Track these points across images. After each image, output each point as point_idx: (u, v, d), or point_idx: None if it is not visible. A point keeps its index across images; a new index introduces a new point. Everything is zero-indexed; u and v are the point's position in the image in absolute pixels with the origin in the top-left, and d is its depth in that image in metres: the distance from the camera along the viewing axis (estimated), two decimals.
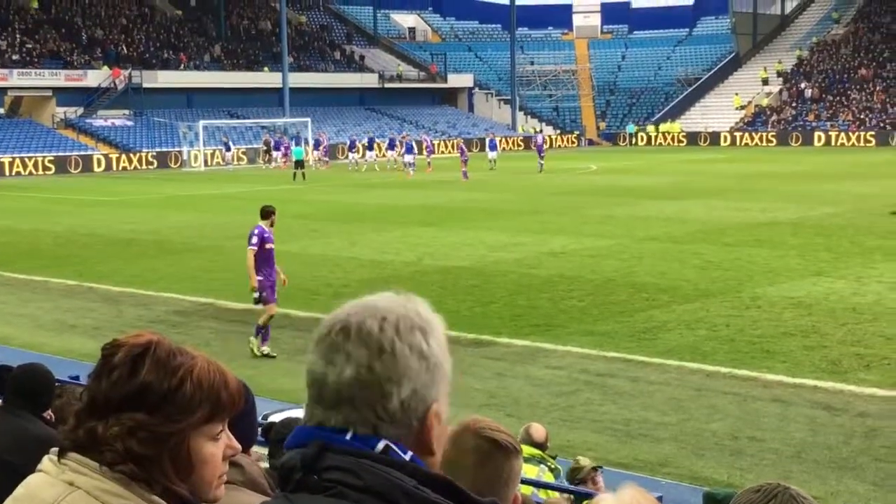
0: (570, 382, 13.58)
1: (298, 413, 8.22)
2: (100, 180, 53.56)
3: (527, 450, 6.74)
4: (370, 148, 60.05)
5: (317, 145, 62.94)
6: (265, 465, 5.73)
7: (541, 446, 7.74)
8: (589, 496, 6.72)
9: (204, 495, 2.00)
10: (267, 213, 15.86)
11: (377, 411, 1.72)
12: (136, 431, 1.91)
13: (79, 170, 59.33)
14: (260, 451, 6.62)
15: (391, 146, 60.75)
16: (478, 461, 2.73)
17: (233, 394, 2.02)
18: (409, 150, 54.20)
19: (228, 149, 63.43)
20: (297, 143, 56.73)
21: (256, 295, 15.60)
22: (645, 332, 16.10)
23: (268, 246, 15.61)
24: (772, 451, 10.75)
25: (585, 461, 7.86)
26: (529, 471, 6.84)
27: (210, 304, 19.29)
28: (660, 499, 6.44)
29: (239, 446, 2.09)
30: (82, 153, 61.32)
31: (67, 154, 60.46)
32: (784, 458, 10.57)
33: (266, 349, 15.52)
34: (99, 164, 60.55)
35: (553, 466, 7.53)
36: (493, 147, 57.51)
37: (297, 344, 16.00)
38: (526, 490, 6.11)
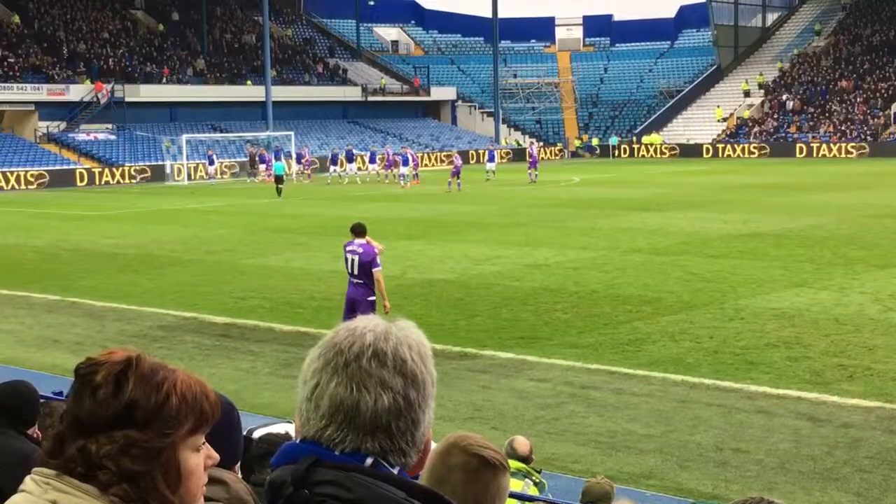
0: (554, 395, 13.58)
1: (281, 428, 8.19)
2: (82, 195, 53.39)
3: (512, 463, 6.74)
4: (350, 160, 60.14)
5: (298, 159, 62.94)
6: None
7: (525, 459, 7.74)
8: None
9: None
10: (363, 230, 15.17)
11: (408, 439, 1.75)
12: (130, 448, 1.92)
13: (62, 184, 59.13)
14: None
15: (373, 159, 60.81)
16: (465, 478, 2.72)
17: (213, 404, 2.05)
18: (405, 163, 55.04)
19: (212, 162, 63.30)
20: (278, 158, 56.54)
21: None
22: (629, 344, 16.12)
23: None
24: (756, 463, 10.76)
25: (600, 482, 7.60)
26: (514, 485, 6.84)
27: (193, 319, 19.23)
28: None
29: (217, 456, 2.10)
30: (65, 167, 61.13)
31: (50, 168, 60.26)
32: (768, 469, 10.59)
33: None
34: (82, 179, 60.34)
35: (538, 480, 7.52)
36: (491, 158, 58.67)
37: (280, 358, 15.96)
38: (511, 503, 6.10)
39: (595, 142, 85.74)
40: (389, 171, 58.05)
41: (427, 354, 1.78)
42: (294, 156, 63.08)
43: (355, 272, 14.86)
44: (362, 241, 14.89)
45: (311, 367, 1.81)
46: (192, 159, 64.18)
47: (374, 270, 14.73)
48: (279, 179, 50.02)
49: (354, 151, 62.08)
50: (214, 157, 64.23)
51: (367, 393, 1.73)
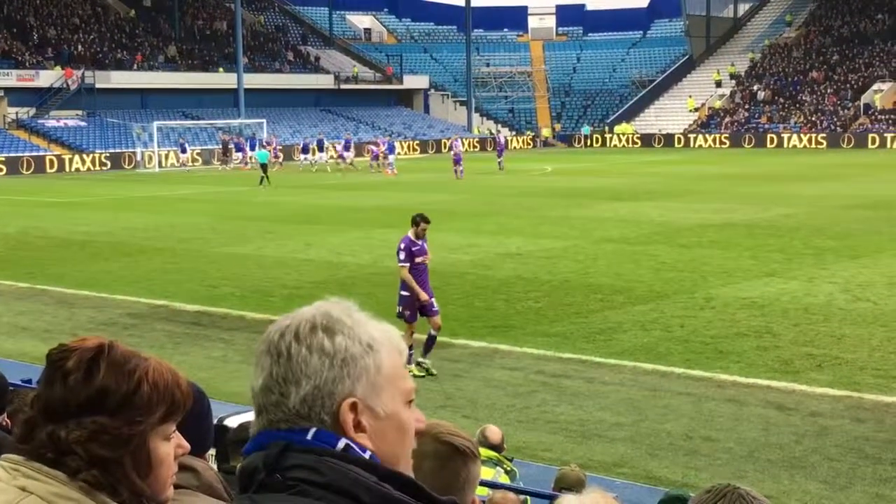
0: (526, 383, 13.62)
1: (254, 416, 8.18)
2: (52, 181, 53.03)
3: (483, 452, 6.75)
4: (321, 149, 59.96)
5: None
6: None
7: (497, 448, 7.76)
8: (548, 497, 6.74)
9: (158, 496, 2.02)
10: (414, 220, 14.50)
11: (283, 410, 1.78)
12: (99, 435, 1.92)
13: (31, 171, 58.70)
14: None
15: (347, 147, 60.60)
16: (436, 466, 2.73)
17: (185, 393, 2.05)
18: (391, 150, 55.60)
19: (184, 150, 62.97)
20: (253, 147, 56.16)
21: (398, 310, 14.18)
22: (600, 333, 16.18)
23: (418, 259, 14.35)
24: (725, 451, 10.84)
25: (574, 470, 7.65)
26: (486, 472, 6.85)
27: (164, 306, 19.16)
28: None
29: (188, 445, 2.11)
30: (34, 154, 60.67)
31: (19, 155, 59.80)
32: (737, 457, 10.66)
33: (427, 361, 14.26)
34: (51, 165, 59.92)
35: (509, 468, 7.54)
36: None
37: (252, 346, 15.89)
38: (482, 492, 6.12)
39: (558, 127, 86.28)
40: (376, 161, 57.63)
41: (314, 328, 1.80)
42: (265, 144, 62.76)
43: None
44: (409, 234, 14.42)
45: None
46: (164, 146, 63.83)
47: (398, 266, 14.40)
48: (264, 168, 49.45)
49: (326, 141, 61.90)
50: (186, 144, 63.91)
51: (254, 379, 1.85)
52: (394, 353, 1.85)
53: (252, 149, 55.76)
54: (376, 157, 56.94)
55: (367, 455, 1.77)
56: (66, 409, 1.94)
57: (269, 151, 56.04)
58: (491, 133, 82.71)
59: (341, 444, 1.76)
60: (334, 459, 1.73)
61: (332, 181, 49.56)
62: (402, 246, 14.21)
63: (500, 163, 55.47)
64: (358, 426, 1.79)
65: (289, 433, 1.76)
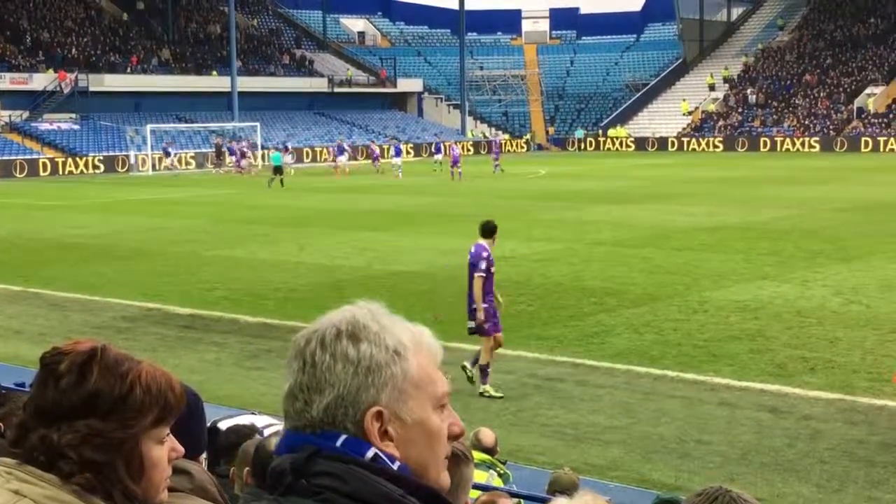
0: (519, 387, 13.63)
1: (246, 419, 8.17)
2: (46, 184, 52.95)
3: (476, 455, 6.76)
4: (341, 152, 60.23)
5: (231, 151, 61.99)
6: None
7: (490, 451, 7.76)
8: (542, 501, 6.75)
9: (152, 499, 2.02)
10: (491, 230, 13.73)
11: (306, 417, 1.77)
12: (92, 438, 1.92)
13: (24, 174, 58.59)
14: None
15: (340, 152, 60.57)
16: None
17: (178, 396, 2.05)
18: (398, 153, 55.79)
19: (168, 154, 62.38)
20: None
21: (472, 325, 13.49)
22: (593, 337, 16.19)
23: (492, 269, 13.64)
24: (718, 454, 10.85)
25: (568, 473, 7.68)
26: (479, 476, 6.85)
27: (157, 310, 19.13)
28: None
29: (182, 449, 2.11)
30: (28, 157, 60.56)
31: (12, 158, 59.69)
32: (730, 460, 10.67)
33: (489, 388, 13.36)
34: (45, 169, 59.82)
35: (502, 471, 7.54)
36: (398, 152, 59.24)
37: (245, 349, 15.92)
38: (474, 495, 6.12)
39: (551, 131, 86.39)
40: (378, 163, 57.49)
41: (339, 335, 1.78)
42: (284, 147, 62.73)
43: (468, 275, 13.67)
44: (483, 241, 13.59)
45: None
46: (157, 150, 63.74)
47: (475, 275, 13.45)
48: (278, 170, 49.16)
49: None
50: (171, 149, 63.49)
51: (284, 383, 1.82)
52: (424, 356, 1.82)
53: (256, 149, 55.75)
54: (376, 158, 56.93)
55: (395, 465, 1.76)
56: (58, 412, 1.94)
57: (289, 155, 56.04)
58: (485, 136, 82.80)
59: (370, 453, 1.74)
60: (361, 469, 1.72)
61: (325, 184, 49.54)
62: (486, 255, 13.41)
63: (496, 165, 55.82)
64: (385, 435, 1.77)
65: (318, 438, 1.76)
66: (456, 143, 58.72)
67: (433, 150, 59.52)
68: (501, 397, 13.15)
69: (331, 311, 1.83)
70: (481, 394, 13.19)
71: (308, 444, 1.75)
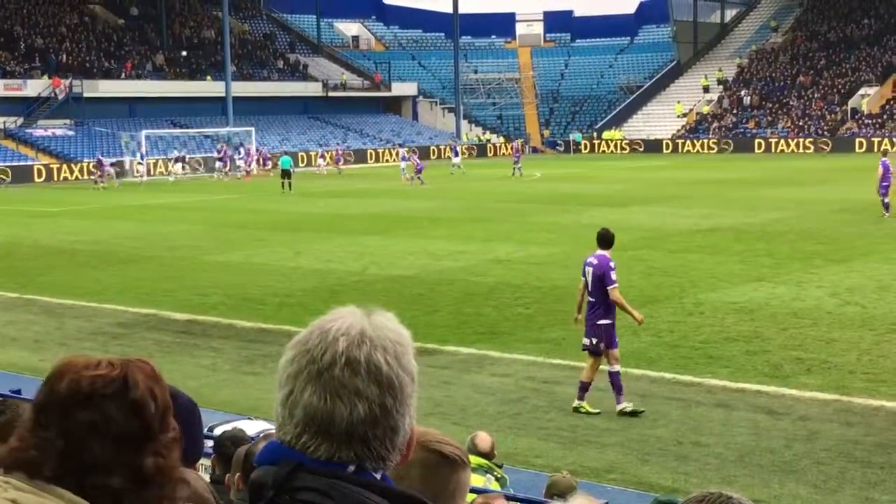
0: (516, 390, 13.63)
1: (242, 425, 8.18)
2: (40, 191, 52.89)
3: (473, 459, 6.75)
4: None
5: (99, 164, 60.81)
6: (207, 477, 5.70)
7: (487, 455, 7.76)
8: None
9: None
10: (611, 240, 13.15)
11: (387, 445, 1.72)
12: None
13: (18, 180, 58.47)
14: (207, 463, 6.58)
15: (337, 161, 60.47)
16: (424, 474, 2.72)
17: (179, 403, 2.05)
18: (405, 158, 55.92)
19: (142, 158, 60.57)
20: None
21: (588, 342, 12.66)
22: None
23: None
24: (715, 456, 10.85)
25: (565, 476, 7.68)
26: (476, 480, 6.85)
27: (154, 315, 19.11)
28: None
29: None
30: (22, 163, 60.48)
31: (7, 164, 59.59)
32: (727, 462, 10.68)
33: (628, 405, 12.50)
34: (39, 175, 59.73)
35: (500, 475, 7.54)
36: (455, 153, 61.66)
37: (241, 354, 15.91)
38: (471, 498, 6.12)
39: (546, 133, 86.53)
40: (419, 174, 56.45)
41: (403, 353, 1.73)
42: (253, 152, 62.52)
43: (590, 288, 12.73)
44: (603, 252, 12.88)
45: (285, 371, 1.75)
46: (152, 155, 63.57)
47: (608, 289, 12.56)
48: (286, 174, 48.68)
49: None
50: (143, 155, 61.92)
51: (342, 403, 1.68)
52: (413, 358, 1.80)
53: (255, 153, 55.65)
54: (420, 171, 54.03)
55: (378, 475, 1.73)
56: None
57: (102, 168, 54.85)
58: (480, 140, 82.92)
59: (352, 466, 1.71)
60: (345, 483, 1.68)
61: (320, 189, 49.52)
62: (613, 265, 12.70)
63: (517, 168, 55.01)
64: None
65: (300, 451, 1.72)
66: (457, 144, 58.75)
67: (399, 158, 58.83)
68: (598, 413, 12.46)
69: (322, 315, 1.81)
70: (576, 409, 12.56)
71: (290, 458, 1.71)
